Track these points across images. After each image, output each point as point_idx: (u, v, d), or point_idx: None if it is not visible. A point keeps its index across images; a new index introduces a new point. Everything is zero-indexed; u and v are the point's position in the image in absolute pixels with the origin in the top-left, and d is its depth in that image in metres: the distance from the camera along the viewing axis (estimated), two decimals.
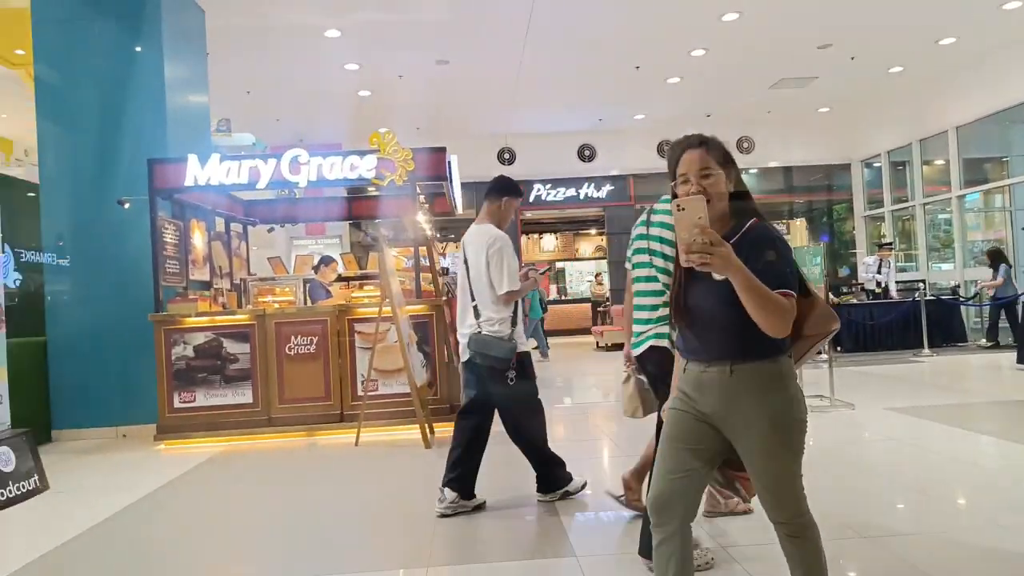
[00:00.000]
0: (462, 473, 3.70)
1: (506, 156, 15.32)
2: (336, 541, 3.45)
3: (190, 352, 6.06)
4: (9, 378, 4.85)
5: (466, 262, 3.78)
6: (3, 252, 5.79)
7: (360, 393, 6.01)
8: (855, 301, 11.05)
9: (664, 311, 2.73)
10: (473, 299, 3.72)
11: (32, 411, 5.91)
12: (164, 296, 6.23)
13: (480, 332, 3.63)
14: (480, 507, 3.76)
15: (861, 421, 5.57)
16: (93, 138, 6.64)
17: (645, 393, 3.08)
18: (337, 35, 8.94)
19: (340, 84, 10.89)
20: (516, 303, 3.72)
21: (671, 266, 2.66)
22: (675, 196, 1.87)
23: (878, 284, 11.45)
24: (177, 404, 6.03)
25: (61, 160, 6.68)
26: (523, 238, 17.39)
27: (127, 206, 6.44)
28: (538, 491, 3.84)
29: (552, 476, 3.84)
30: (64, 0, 6.69)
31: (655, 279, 2.76)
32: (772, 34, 9.79)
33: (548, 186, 15.73)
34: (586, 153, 15.62)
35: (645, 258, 2.80)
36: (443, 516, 3.64)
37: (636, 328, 2.84)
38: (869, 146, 15.27)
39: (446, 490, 3.68)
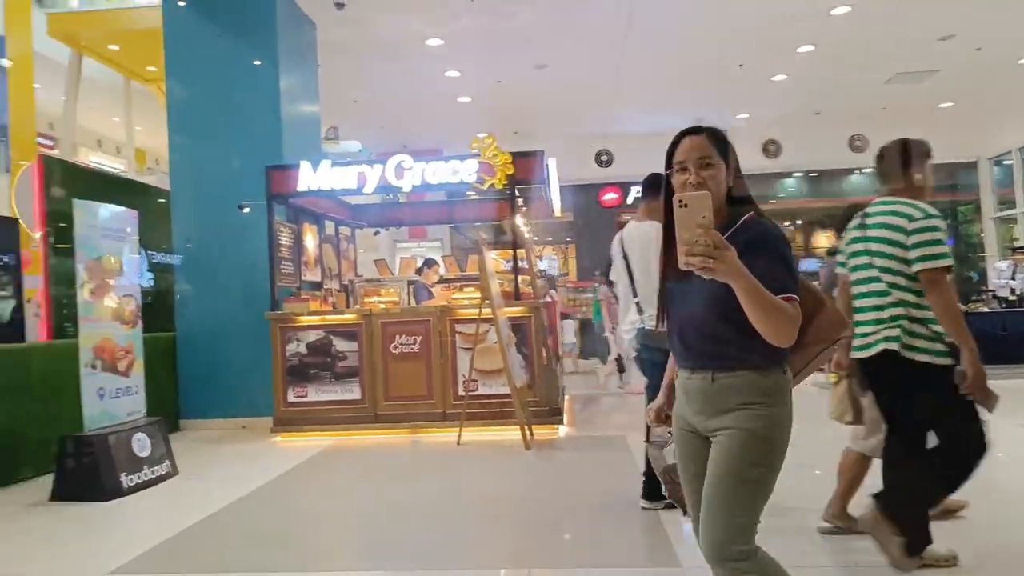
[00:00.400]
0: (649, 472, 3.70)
1: (603, 158, 15.22)
2: (438, 536, 3.54)
3: (303, 349, 6.38)
4: (144, 371, 5.27)
5: (626, 259, 3.80)
6: (139, 254, 6.31)
7: (461, 393, 6.13)
8: (985, 309, 10.24)
9: (894, 311, 2.64)
10: (636, 295, 3.74)
11: (163, 401, 6.38)
12: (279, 295, 6.59)
13: (644, 327, 3.66)
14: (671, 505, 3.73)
15: (992, 439, 5.15)
16: (217, 147, 7.11)
17: (859, 397, 2.99)
18: (439, 43, 9.16)
19: (441, 91, 11.15)
20: None
21: (893, 264, 2.64)
22: (669, 184, 1.78)
23: (1012, 291, 10.57)
24: (291, 398, 6.36)
25: (188, 168, 7.19)
26: None
27: (246, 211, 6.85)
28: (642, 498, 3.79)
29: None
30: (192, 20, 7.20)
31: (877, 279, 2.72)
32: (887, 27, 9.23)
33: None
34: None
35: (865, 260, 2.78)
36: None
37: (861, 331, 2.76)
38: (998, 142, 14.14)
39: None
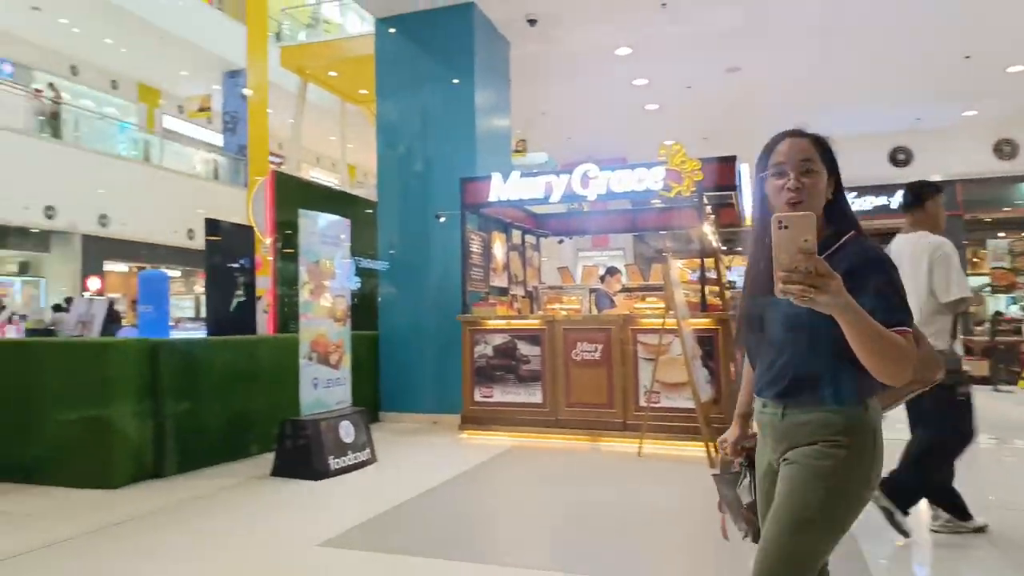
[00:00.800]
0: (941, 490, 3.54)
1: None
2: (615, 545, 3.52)
3: (489, 351, 6.66)
4: (351, 365, 5.80)
5: None
6: (350, 260, 6.96)
7: (642, 404, 6.05)
8: None
9: None
10: None
11: (366, 394, 6.97)
12: (470, 300, 6.94)
13: None
14: (980, 530, 3.51)
15: None
16: (418, 161, 7.66)
17: None
18: (627, 52, 9.15)
19: (628, 99, 11.12)
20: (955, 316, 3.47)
21: None
22: (762, 191, 1.59)
23: None
24: (478, 398, 6.66)
25: (393, 181, 7.81)
26: None
27: (443, 220, 7.30)
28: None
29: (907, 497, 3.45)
30: (399, 45, 7.83)
31: None
32: None
33: (853, 195, 14.23)
34: (899, 157, 13.86)
35: None
36: (935, 532, 3.56)
37: None
38: None
39: (938, 508, 3.57)
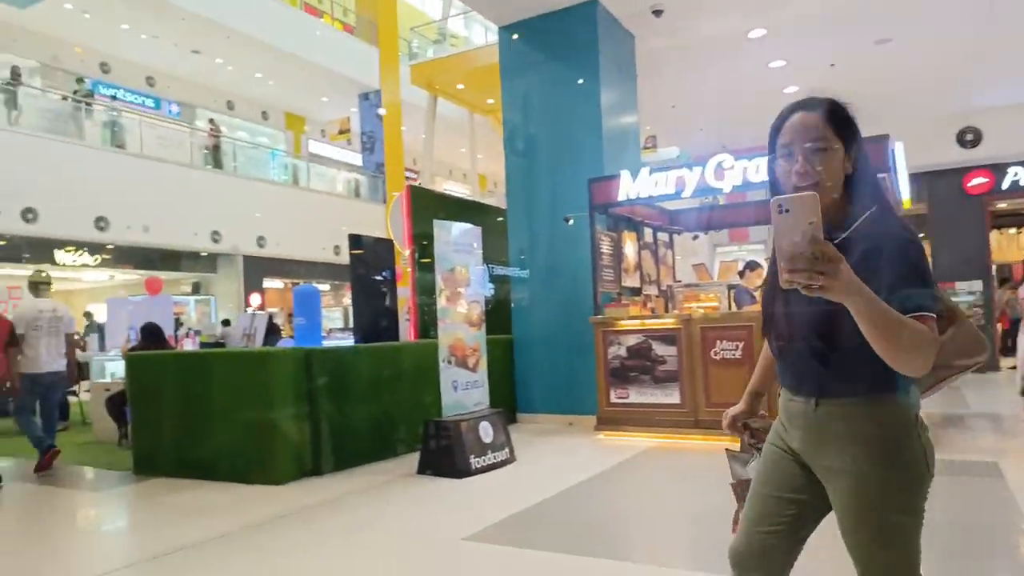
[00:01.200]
0: None
1: (968, 137, 12.92)
2: None
3: (623, 352, 6.56)
4: (488, 367, 5.92)
5: None
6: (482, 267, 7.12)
7: None
8: None
9: None
10: None
11: (503, 396, 7.09)
12: (601, 301, 6.88)
13: None
14: None
15: None
16: (545, 165, 7.71)
17: None
18: (762, 34, 8.71)
19: (764, 84, 10.58)
20: None
21: None
22: (772, 165, 1.46)
23: None
24: (613, 399, 6.58)
25: (521, 187, 7.91)
26: (993, 233, 14.42)
27: (571, 222, 7.29)
28: None
29: None
30: (523, 50, 7.92)
31: None
32: None
33: None
34: None
35: None
36: None
37: None
38: None
39: None
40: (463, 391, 5.57)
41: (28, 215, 12.26)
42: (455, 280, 5.68)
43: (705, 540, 3.56)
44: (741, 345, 6.06)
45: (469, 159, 17.04)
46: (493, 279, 8.47)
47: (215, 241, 15.34)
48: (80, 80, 15.42)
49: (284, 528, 4.02)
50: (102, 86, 16.82)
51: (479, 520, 3.94)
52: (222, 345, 9.78)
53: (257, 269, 16.56)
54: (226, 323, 12.78)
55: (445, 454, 5.18)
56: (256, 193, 16.39)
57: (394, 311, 7.31)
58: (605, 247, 7.13)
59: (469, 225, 5.96)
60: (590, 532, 3.78)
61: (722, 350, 6.15)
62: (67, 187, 12.54)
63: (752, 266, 7.61)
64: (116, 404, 7.10)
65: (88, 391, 9.16)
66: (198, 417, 5.56)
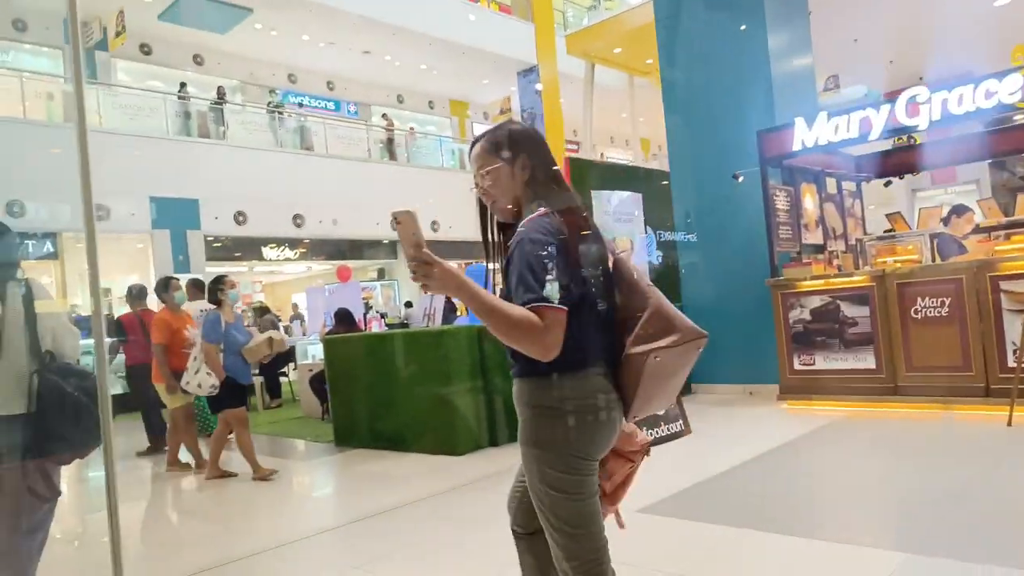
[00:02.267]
0: None
1: None
2: (980, 530, 2.94)
3: (807, 315, 6.09)
4: None
5: None
6: (646, 234, 6.93)
7: (1012, 365, 4.98)
8: None
9: None
10: None
11: None
12: (779, 261, 6.42)
13: None
14: None
15: None
16: (707, 122, 7.30)
17: None
18: None
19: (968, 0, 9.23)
20: None
21: None
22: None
23: None
24: (797, 366, 6.14)
25: (684, 147, 7.57)
26: None
27: (740, 179, 6.85)
28: None
29: None
30: (681, 5, 7.52)
31: None
32: None
33: None
34: None
35: None
36: None
37: None
38: None
39: None
40: None
41: (239, 218, 13.85)
42: (617, 250, 5.57)
43: (909, 520, 3.22)
44: (948, 301, 5.38)
45: (630, 124, 16.66)
46: (660, 246, 8.23)
47: (394, 228, 16.29)
48: (272, 92, 17.06)
49: (466, 496, 4.22)
50: (291, 95, 18.48)
51: (652, 491, 3.86)
52: (406, 326, 10.44)
53: (433, 251, 17.40)
54: (408, 305, 13.62)
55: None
56: (428, 180, 17.22)
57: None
58: (780, 203, 6.62)
59: (629, 193, 5.82)
60: (772, 507, 3.57)
61: (924, 308, 5.49)
62: (268, 190, 13.98)
63: (959, 211, 6.70)
64: (318, 383, 7.85)
65: (295, 372, 10.23)
66: (386, 393, 5.98)
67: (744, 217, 6.88)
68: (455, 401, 5.41)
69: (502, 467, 4.85)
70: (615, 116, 19.72)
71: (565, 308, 1.51)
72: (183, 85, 15.18)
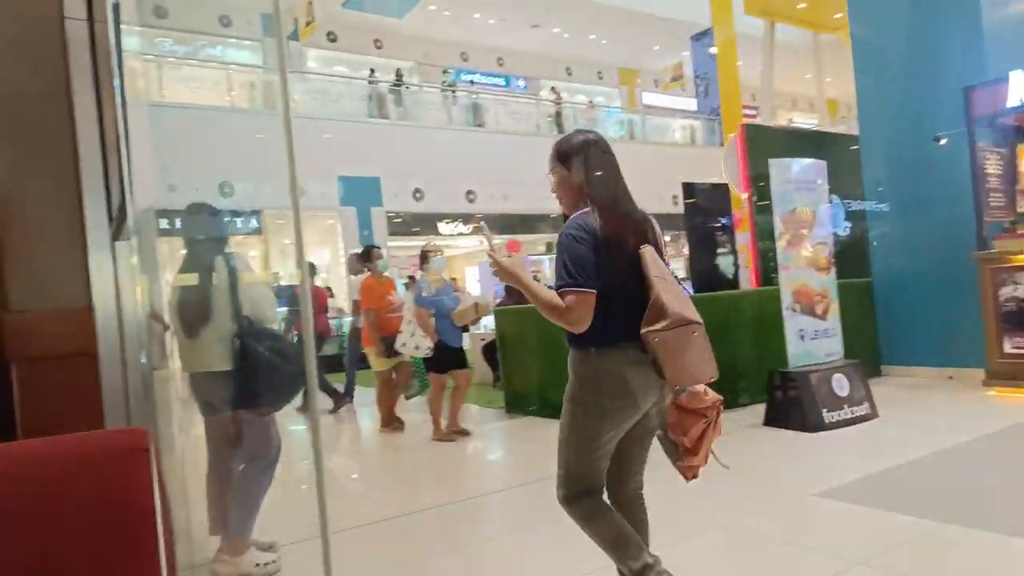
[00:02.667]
0: None
1: None
2: None
3: (1021, 293, 5.42)
4: (841, 315, 5.43)
5: None
6: (831, 203, 6.48)
7: None
8: None
9: None
10: None
11: (861, 346, 6.42)
12: (987, 232, 5.76)
13: None
14: None
15: None
16: (904, 80, 6.63)
17: None
18: None
19: None
20: None
21: None
22: None
23: None
24: (1008, 349, 5.50)
25: (876, 108, 6.94)
26: None
27: (943, 142, 6.19)
28: None
29: None
30: None
31: None
32: None
33: None
34: None
35: None
36: None
37: None
38: None
39: None
40: (812, 340, 5.20)
41: (417, 195, 14.71)
42: (797, 221, 5.28)
43: None
44: None
45: (815, 86, 15.48)
46: (849, 216, 7.65)
47: (560, 202, 16.54)
48: (445, 72, 17.82)
49: None
50: (463, 74, 19.19)
51: (832, 476, 3.69)
52: None
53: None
54: None
55: (793, 406, 4.93)
56: None
57: (734, 259, 7.10)
58: (991, 167, 5.91)
59: (811, 160, 5.47)
60: (970, 499, 3.27)
61: None
62: (443, 167, 14.70)
63: None
64: (489, 352, 8.24)
65: (468, 341, 10.78)
66: (556, 363, 6.15)
67: (945, 184, 6.21)
68: None
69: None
70: (798, 78, 18.42)
71: (589, 291, 1.89)
72: (372, 71, 16.30)
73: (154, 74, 11.68)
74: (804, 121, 21.47)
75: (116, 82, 1.60)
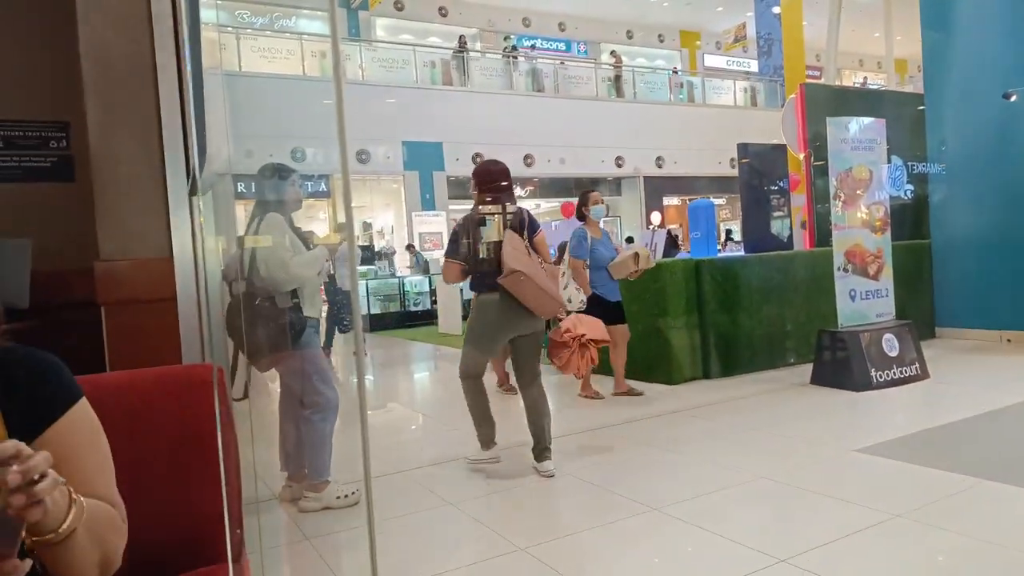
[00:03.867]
0: None
1: None
2: None
3: None
4: (895, 276, 5.41)
5: None
6: (891, 165, 6.39)
7: None
8: None
9: None
10: None
11: (916, 307, 6.37)
12: None
13: None
14: None
15: None
16: (973, 36, 6.43)
17: None
18: None
19: None
20: None
21: None
22: None
23: None
24: None
25: (943, 67, 6.75)
26: None
27: (1013, 99, 6.01)
28: None
29: None
30: None
31: None
32: None
33: None
34: None
35: None
36: None
37: None
38: None
39: None
40: (863, 300, 5.22)
41: (476, 159, 14.91)
42: (853, 182, 5.27)
43: None
44: None
45: (883, 45, 14.87)
46: (912, 179, 7.50)
47: (618, 166, 16.50)
48: (506, 37, 17.82)
49: (682, 421, 4.42)
50: (524, 39, 19.14)
51: (876, 434, 3.76)
52: None
53: (656, 188, 17.33)
54: (630, 240, 13.82)
55: (842, 365, 4.98)
56: (653, 116, 16.99)
57: (788, 218, 7.08)
58: None
59: (869, 119, 5.42)
60: (1013, 458, 3.30)
61: None
62: (502, 131, 14.83)
63: None
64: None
65: None
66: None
67: (1013, 142, 6.05)
68: (671, 333, 5.59)
69: (719, 398, 4.98)
70: (867, 36, 17.71)
71: (456, 262, 3.45)
72: (462, 38, 16.42)
73: (232, 45, 12.16)
74: (873, 82, 20.64)
75: (187, 51, 1.75)
